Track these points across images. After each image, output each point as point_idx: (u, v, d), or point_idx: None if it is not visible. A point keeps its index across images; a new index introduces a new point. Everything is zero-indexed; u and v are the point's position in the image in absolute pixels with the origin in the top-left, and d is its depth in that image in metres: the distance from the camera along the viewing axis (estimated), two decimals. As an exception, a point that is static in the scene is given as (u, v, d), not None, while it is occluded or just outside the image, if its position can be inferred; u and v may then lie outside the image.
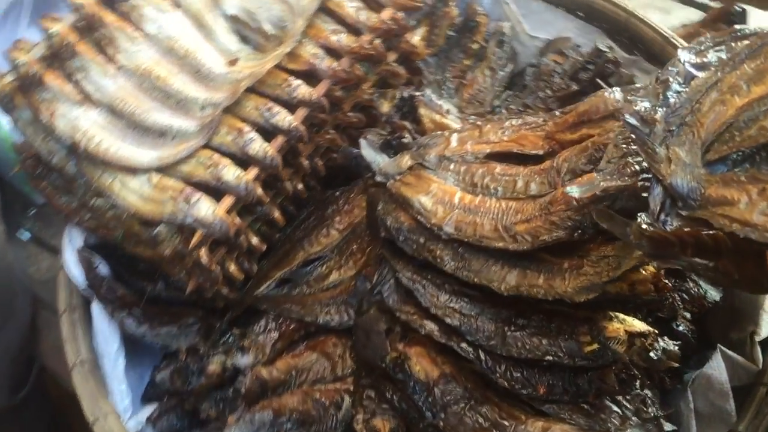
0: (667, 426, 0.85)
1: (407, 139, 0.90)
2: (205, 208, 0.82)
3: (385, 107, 0.99)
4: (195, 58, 0.87)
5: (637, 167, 0.64)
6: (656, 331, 0.77)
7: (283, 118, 0.87)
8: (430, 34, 1.18)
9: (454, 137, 0.87)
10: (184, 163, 0.84)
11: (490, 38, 1.20)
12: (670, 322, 0.88)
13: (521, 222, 0.78)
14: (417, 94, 0.95)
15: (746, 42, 0.67)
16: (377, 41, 0.93)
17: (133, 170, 0.83)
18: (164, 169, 0.84)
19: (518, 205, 0.80)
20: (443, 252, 0.81)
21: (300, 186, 0.98)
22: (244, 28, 0.92)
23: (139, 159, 0.83)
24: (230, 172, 0.84)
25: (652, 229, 0.65)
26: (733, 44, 0.67)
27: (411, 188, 0.84)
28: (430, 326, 0.81)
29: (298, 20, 0.91)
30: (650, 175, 0.64)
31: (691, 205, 0.58)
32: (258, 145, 0.85)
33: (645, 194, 0.65)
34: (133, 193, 0.83)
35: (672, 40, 1.16)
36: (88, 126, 0.83)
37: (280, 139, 0.88)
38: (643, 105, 0.63)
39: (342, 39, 0.92)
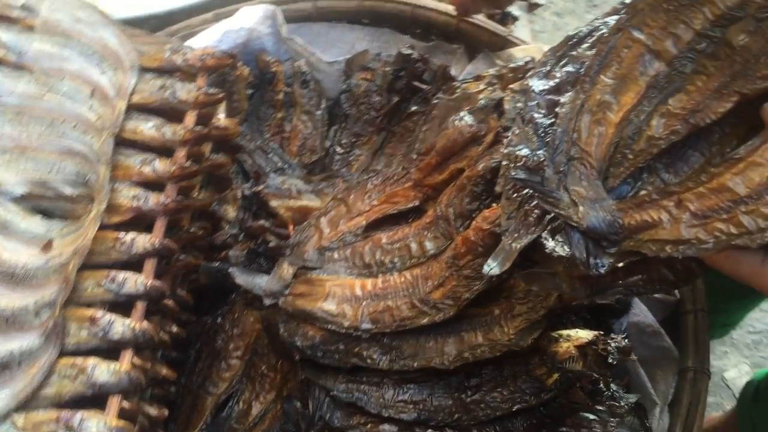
0: (631, 397, 0.84)
1: (272, 241, 0.81)
2: (96, 425, 0.69)
3: (231, 212, 0.89)
4: (2, 263, 0.73)
5: (537, 212, 0.60)
6: (601, 333, 0.75)
7: (134, 282, 0.75)
8: (231, 103, 1.07)
9: (323, 222, 0.80)
10: (46, 385, 0.70)
11: (292, 82, 1.11)
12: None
13: (435, 288, 0.72)
14: (260, 187, 0.85)
15: (586, 46, 0.64)
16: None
17: (-11, 423, 0.69)
18: (26, 405, 0.70)
19: (423, 271, 0.74)
20: (370, 351, 0.74)
21: (175, 329, 0.86)
22: (42, 203, 0.77)
23: (-9, 407, 0.69)
24: (103, 371, 0.71)
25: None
26: (574, 53, 0.64)
27: (306, 299, 0.76)
28: (389, 429, 0.74)
29: (99, 168, 0.78)
30: (552, 215, 0.60)
31: (615, 240, 0.55)
32: (120, 327, 0.73)
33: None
34: (2, 449, 0.69)
35: (467, 18, 1.14)
36: None
37: (140, 306, 0.76)
38: (522, 153, 0.59)
39: (156, 166, 0.80)
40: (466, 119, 0.76)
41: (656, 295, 0.99)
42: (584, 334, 0.74)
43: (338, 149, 1.09)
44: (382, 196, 0.79)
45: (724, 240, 0.52)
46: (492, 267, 0.60)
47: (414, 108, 1.07)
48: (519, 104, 0.78)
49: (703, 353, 0.92)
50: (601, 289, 0.62)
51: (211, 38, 1.08)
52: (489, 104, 0.76)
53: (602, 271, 0.55)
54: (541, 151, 0.59)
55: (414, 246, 0.76)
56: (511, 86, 0.98)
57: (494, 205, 0.73)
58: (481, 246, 0.70)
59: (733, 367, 1.86)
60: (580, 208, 0.55)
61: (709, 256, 0.54)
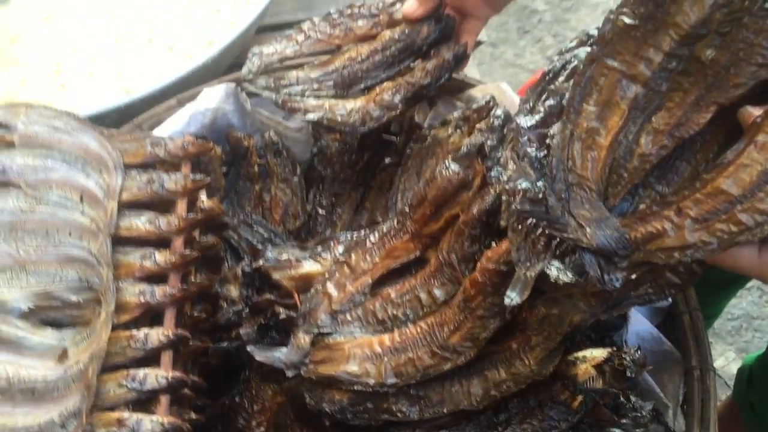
0: (649, 405, 0.87)
1: (282, 313, 0.82)
2: None
3: (234, 291, 0.90)
4: (21, 381, 0.72)
5: (544, 239, 0.63)
6: (614, 348, 0.78)
7: (155, 377, 0.75)
8: (212, 182, 1.09)
9: (331, 286, 0.81)
10: (84, 497, 0.70)
11: (265, 153, 1.13)
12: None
13: (453, 333, 0.74)
14: (260, 263, 0.87)
15: (562, 79, 0.68)
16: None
17: None
18: None
19: (438, 319, 0.76)
20: (399, 404, 0.75)
21: (193, 415, 0.86)
22: (50, 313, 0.77)
23: None
24: (140, 474, 0.71)
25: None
26: (552, 87, 0.68)
27: (328, 364, 0.77)
28: (429, 478, 0.75)
29: (101, 270, 0.78)
30: (557, 239, 0.63)
31: (625, 254, 0.58)
32: (149, 424, 0.73)
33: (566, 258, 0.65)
34: None
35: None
36: None
37: (164, 400, 0.76)
38: (523, 186, 0.62)
39: (158, 259, 0.81)
40: (452, 167, 0.79)
41: (649, 302, 1.03)
42: (599, 353, 0.77)
43: (320, 211, 1.11)
44: (382, 252, 0.81)
45: (727, 239, 0.56)
46: (513, 297, 0.63)
47: (387, 160, 1.10)
48: (490, 142, 0.82)
49: (704, 350, 0.96)
50: (617, 302, 0.66)
51: (179, 123, 1.10)
52: (471, 150, 0.79)
53: (617, 285, 0.58)
54: (540, 182, 0.62)
55: (423, 296, 0.78)
56: (479, 126, 1.03)
57: (494, 244, 0.76)
58: (490, 285, 0.73)
59: (719, 356, 1.92)
60: (588, 230, 0.58)
61: (715, 256, 0.57)
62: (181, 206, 0.85)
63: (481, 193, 0.78)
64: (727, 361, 1.90)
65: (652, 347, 1.01)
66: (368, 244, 0.83)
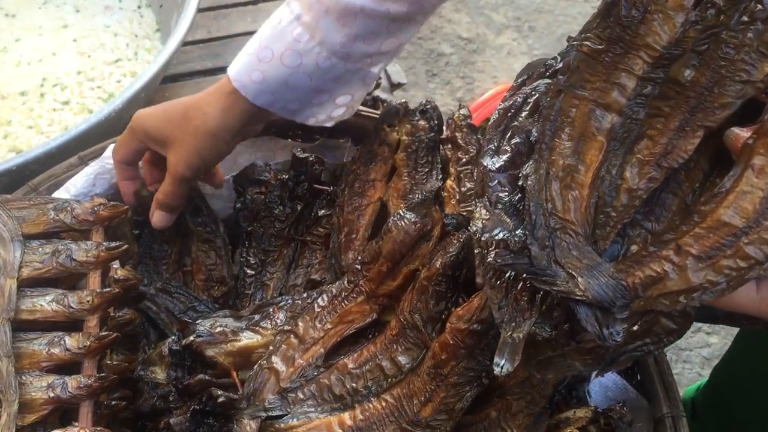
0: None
1: (220, 395, 0.71)
2: None
3: (160, 373, 0.78)
4: None
5: (527, 295, 0.55)
6: (595, 407, 0.72)
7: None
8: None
9: (276, 360, 0.71)
10: None
11: (182, 211, 1.02)
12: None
13: (424, 405, 0.66)
14: (190, 339, 0.75)
15: (525, 114, 0.61)
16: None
17: None
18: None
19: (405, 390, 0.67)
20: (368, 494, 0.65)
21: None
22: (-66, 423, 0.63)
23: None
24: None
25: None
26: (516, 123, 0.61)
27: (282, 454, 0.66)
28: None
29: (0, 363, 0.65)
30: (540, 294, 0.56)
31: (625, 304, 0.51)
32: None
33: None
34: None
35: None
36: None
37: None
38: (500, 237, 0.54)
39: (68, 344, 0.69)
40: (408, 217, 0.71)
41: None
42: (581, 413, 0.70)
43: (248, 271, 1.00)
44: (334, 317, 0.72)
45: (736, 276, 0.50)
46: (502, 365, 0.54)
47: (321, 212, 1.01)
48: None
49: (675, 396, 0.90)
50: (614, 357, 0.59)
51: (83, 184, 0.97)
52: (427, 196, 0.72)
53: (619, 339, 0.51)
54: (519, 231, 0.54)
55: (386, 364, 0.68)
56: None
57: (461, 300, 0.68)
58: (463, 348, 0.65)
59: (654, 391, 1.89)
60: (580, 280, 0.51)
61: (726, 296, 0.51)
62: (94, 279, 0.73)
63: (442, 243, 0.70)
64: (661, 396, 1.88)
65: (616, 396, 0.94)
66: (317, 308, 0.73)
